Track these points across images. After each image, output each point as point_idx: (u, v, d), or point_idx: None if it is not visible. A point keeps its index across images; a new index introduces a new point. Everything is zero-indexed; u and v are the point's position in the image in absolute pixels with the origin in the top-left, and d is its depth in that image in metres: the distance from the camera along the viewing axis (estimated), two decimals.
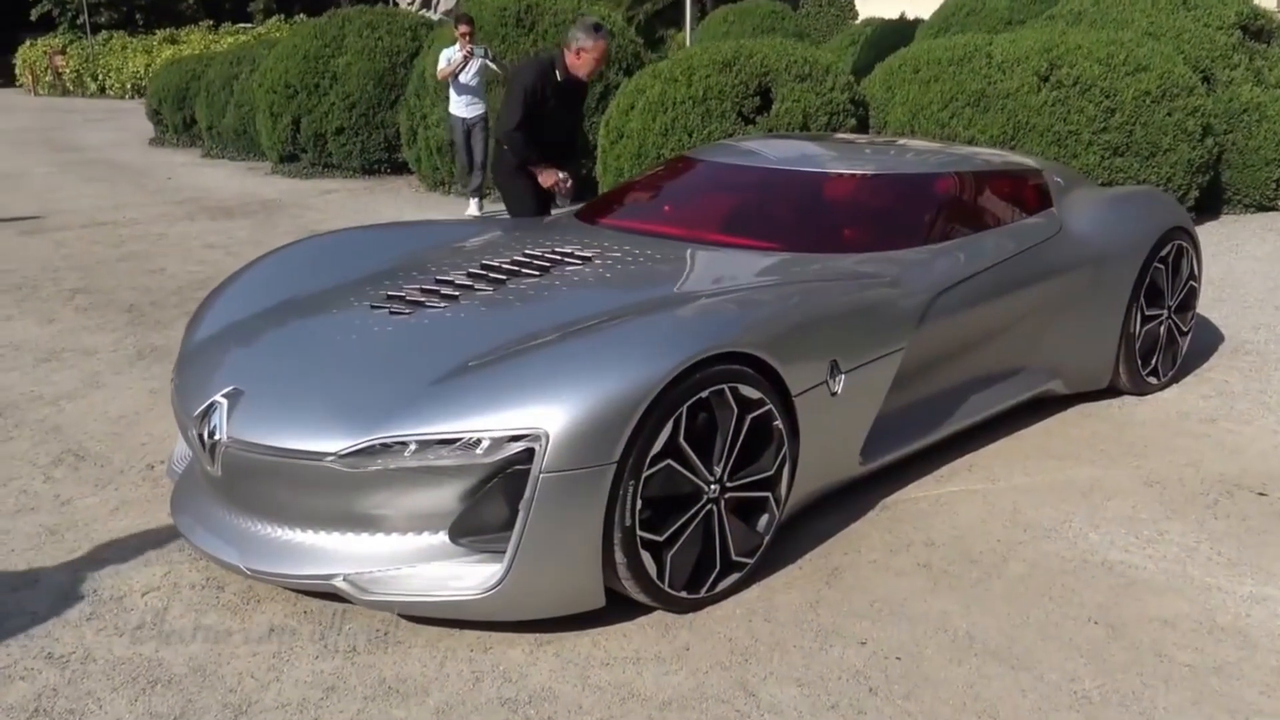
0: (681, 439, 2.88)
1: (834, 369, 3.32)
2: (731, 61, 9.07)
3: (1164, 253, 4.64)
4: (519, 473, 2.73)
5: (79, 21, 36.41)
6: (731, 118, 8.87)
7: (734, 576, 3.11)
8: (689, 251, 3.90)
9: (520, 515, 2.72)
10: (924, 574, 3.25)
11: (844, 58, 16.52)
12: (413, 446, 2.79)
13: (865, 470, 3.62)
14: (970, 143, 8.70)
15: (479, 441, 2.75)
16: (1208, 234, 8.59)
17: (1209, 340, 5.63)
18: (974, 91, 8.80)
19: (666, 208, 4.48)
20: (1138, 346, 4.62)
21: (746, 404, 3.02)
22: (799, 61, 9.10)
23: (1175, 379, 4.97)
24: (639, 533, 2.83)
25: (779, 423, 3.12)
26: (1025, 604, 3.08)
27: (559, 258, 3.78)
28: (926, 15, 17.77)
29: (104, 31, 35.30)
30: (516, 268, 3.70)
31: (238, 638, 2.95)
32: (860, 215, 4.17)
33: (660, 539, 2.89)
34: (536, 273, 3.65)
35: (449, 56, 9.67)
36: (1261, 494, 3.81)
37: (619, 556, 2.83)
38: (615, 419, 2.73)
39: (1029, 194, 4.59)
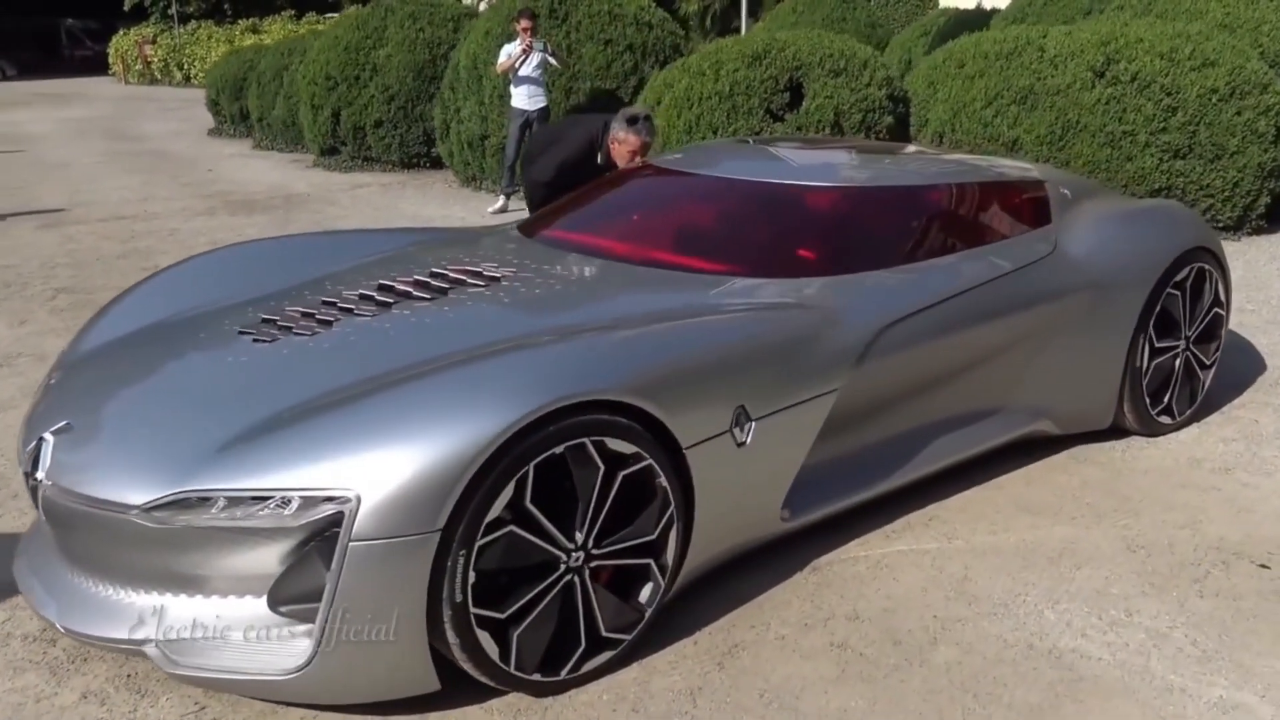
0: (528, 502, 2.48)
1: (741, 416, 2.89)
2: (762, 55, 8.60)
3: (1180, 277, 4.09)
4: (333, 538, 2.38)
5: (170, 11, 37.09)
6: (759, 114, 8.41)
7: (605, 655, 2.70)
8: (610, 273, 3.51)
9: (328, 589, 2.36)
10: (834, 657, 2.81)
11: (915, 50, 15.91)
12: (222, 503, 2.46)
13: (791, 527, 3.18)
14: (1014, 144, 8.11)
15: (289, 501, 2.40)
16: (1278, 246, 7.87)
17: (1249, 370, 5.04)
18: (1021, 88, 8.19)
19: (609, 221, 4.06)
20: (1145, 383, 4.08)
21: (617, 459, 2.61)
22: (834, 55, 8.59)
23: (1195, 418, 4.40)
24: (473, 610, 2.45)
25: (663, 480, 2.70)
26: (942, 702, 2.62)
27: (463, 277, 3.41)
28: (1005, 5, 17.02)
29: (193, 21, 35.89)
30: (412, 289, 3.34)
31: (45, 705, 2.65)
32: (805, 234, 3.70)
33: (502, 616, 2.50)
34: (430, 296, 3.28)
35: (509, 51, 9.39)
36: (1264, 566, 3.27)
37: (451, 636, 2.46)
38: (438, 481, 2.35)
39: (1023, 210, 4.08)
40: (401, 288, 3.35)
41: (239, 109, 16.31)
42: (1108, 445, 4.16)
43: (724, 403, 2.85)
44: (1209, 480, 3.87)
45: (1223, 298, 4.35)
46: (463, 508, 2.38)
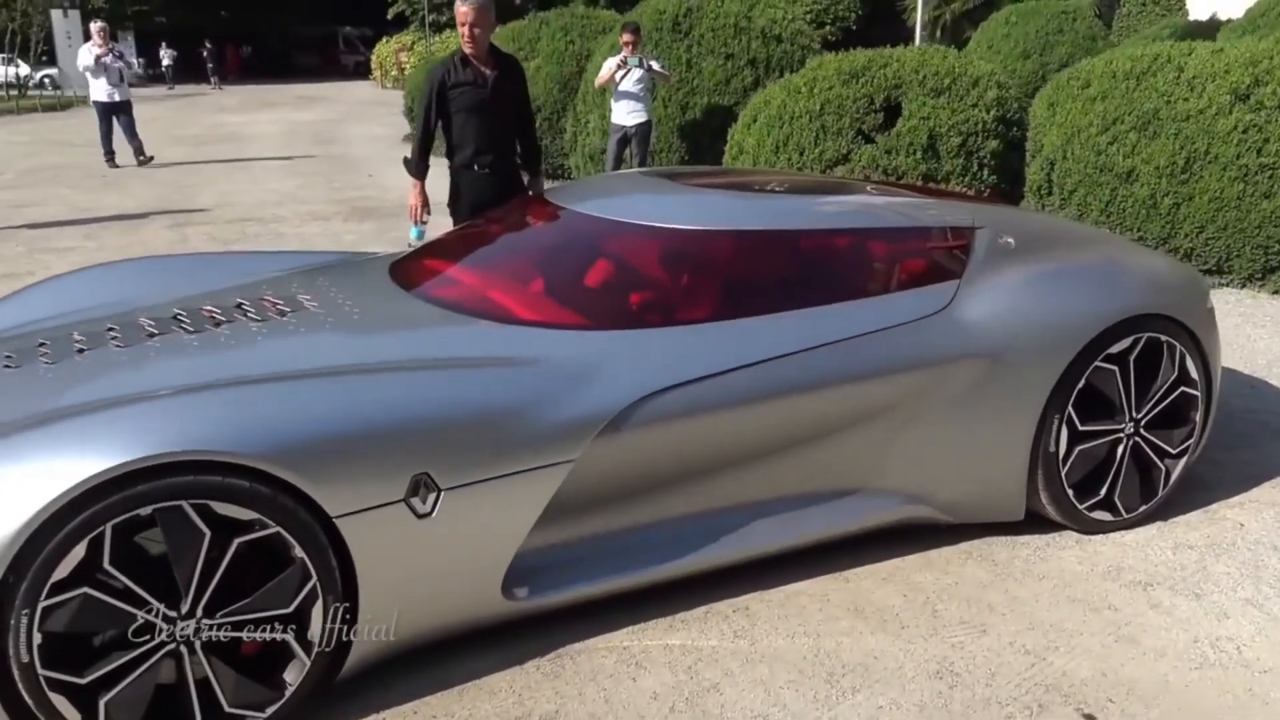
0: (107, 564, 2.33)
1: (422, 484, 2.62)
2: (860, 72, 8.06)
3: (1118, 348, 3.44)
4: None
5: (427, 21, 39.27)
6: (849, 135, 7.88)
7: None
8: (399, 315, 3.30)
9: None
10: None
11: None
12: None
13: (526, 608, 2.87)
14: (1129, 175, 7.20)
15: None
16: None
17: None
18: (1144, 112, 7.27)
19: (454, 260, 3.81)
20: (1064, 470, 3.46)
21: (231, 525, 2.42)
22: (938, 73, 7.93)
23: (1164, 513, 3.71)
24: (42, 671, 2.32)
25: (300, 551, 2.48)
26: None
27: (252, 310, 3.30)
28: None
29: (446, 30, 37.85)
30: (193, 321, 3.25)
31: None
32: (593, 280, 3.35)
33: (82, 681, 2.36)
34: (206, 328, 3.18)
35: (608, 65, 9.38)
36: (1089, 716, 2.67)
37: (26, 698, 2.34)
38: None
39: (921, 261, 3.54)
40: (182, 317, 3.27)
41: None
42: (1023, 540, 3.56)
43: (397, 469, 2.59)
44: (1112, 596, 3.23)
45: (1194, 375, 3.63)
46: (23, 565, 2.26)
